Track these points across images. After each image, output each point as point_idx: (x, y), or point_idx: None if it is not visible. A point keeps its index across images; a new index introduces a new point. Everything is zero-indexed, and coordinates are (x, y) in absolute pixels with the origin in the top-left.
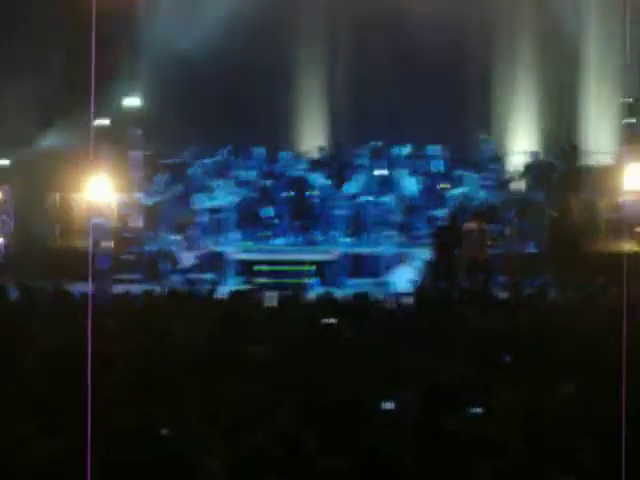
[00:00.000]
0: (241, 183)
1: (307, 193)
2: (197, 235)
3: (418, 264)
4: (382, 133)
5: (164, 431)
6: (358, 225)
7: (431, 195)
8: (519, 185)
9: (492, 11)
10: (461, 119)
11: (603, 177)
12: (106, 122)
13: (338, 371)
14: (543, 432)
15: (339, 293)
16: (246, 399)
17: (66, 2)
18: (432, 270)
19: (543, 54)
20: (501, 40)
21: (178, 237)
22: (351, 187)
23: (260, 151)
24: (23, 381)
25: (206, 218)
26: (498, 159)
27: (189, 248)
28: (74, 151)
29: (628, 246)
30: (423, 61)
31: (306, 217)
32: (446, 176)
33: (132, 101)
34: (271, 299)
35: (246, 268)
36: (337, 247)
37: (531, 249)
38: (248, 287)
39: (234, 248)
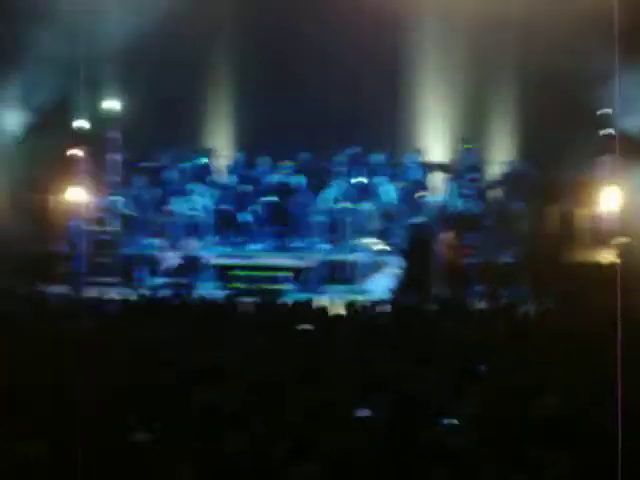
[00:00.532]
0: (218, 188)
1: (285, 199)
2: (173, 239)
3: (395, 272)
4: (360, 139)
5: (137, 436)
6: (336, 232)
7: (409, 203)
8: (497, 194)
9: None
10: (441, 127)
11: (580, 188)
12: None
13: (308, 379)
14: (509, 441)
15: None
16: (215, 407)
17: None
18: (407, 278)
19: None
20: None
21: (154, 241)
22: (330, 194)
23: (239, 156)
24: None
25: (183, 222)
26: (477, 168)
27: (165, 252)
28: (52, 152)
29: (603, 256)
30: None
31: (284, 223)
32: (424, 184)
33: (111, 104)
34: (246, 305)
35: (222, 273)
36: (315, 253)
37: (508, 259)
38: (224, 292)
39: (211, 253)
